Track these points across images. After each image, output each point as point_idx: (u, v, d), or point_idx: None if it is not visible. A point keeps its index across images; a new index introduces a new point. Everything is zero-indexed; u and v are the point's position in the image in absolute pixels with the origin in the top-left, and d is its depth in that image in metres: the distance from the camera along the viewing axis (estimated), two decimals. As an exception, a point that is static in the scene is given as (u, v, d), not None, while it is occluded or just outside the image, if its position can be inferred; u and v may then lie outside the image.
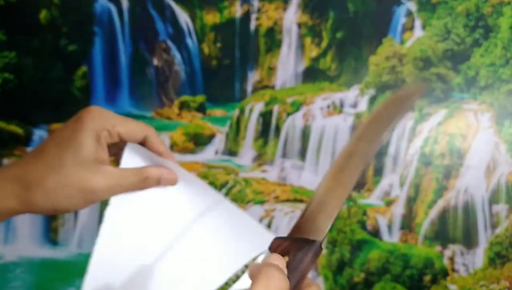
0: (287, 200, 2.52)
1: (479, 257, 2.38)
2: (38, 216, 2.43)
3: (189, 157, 2.69)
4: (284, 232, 0.45)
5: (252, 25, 2.88)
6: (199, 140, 2.75)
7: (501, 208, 2.38)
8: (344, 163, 0.50)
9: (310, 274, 0.44)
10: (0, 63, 2.58)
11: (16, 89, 2.60)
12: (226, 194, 2.47)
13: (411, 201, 2.49)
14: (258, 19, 2.88)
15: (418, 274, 2.40)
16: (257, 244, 0.47)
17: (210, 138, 2.76)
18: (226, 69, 2.88)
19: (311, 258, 0.40)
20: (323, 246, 0.41)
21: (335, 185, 0.49)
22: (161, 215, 0.50)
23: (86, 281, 0.48)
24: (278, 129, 2.69)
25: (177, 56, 2.89)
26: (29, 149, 2.63)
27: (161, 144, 0.50)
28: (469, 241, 2.41)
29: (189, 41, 2.91)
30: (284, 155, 2.66)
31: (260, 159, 2.70)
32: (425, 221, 2.45)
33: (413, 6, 2.65)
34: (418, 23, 2.65)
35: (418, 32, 2.64)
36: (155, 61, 2.90)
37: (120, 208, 0.49)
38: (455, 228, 2.44)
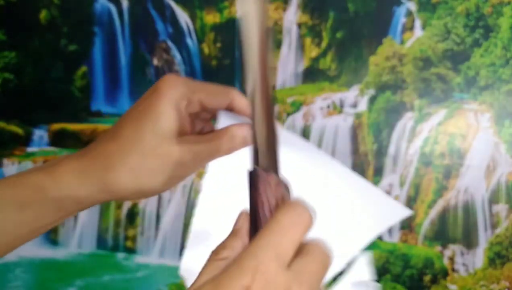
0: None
1: (479, 257, 2.38)
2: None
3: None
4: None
5: (252, 25, 2.88)
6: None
7: (501, 208, 2.38)
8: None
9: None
10: (0, 63, 2.58)
11: (16, 89, 2.60)
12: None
13: (411, 201, 2.49)
14: (258, 19, 2.88)
15: (418, 274, 2.40)
16: (387, 213, 0.44)
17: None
18: (226, 69, 2.88)
19: (250, 189, 0.37)
20: (258, 171, 0.37)
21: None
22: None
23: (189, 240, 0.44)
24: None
25: (177, 56, 2.89)
26: (29, 149, 2.63)
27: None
28: (469, 241, 2.41)
29: (189, 41, 2.91)
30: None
31: (260, 159, 2.70)
32: (425, 221, 2.45)
33: (413, 6, 2.65)
34: (418, 23, 2.64)
35: (418, 32, 2.64)
36: (155, 61, 2.90)
37: (214, 181, 0.45)
38: (455, 228, 2.44)
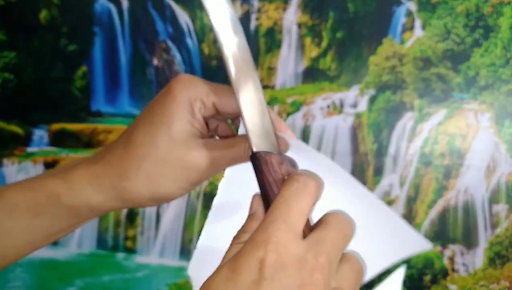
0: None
1: (479, 257, 2.38)
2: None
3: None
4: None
5: (252, 25, 2.88)
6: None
7: (501, 208, 2.38)
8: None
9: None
10: (0, 63, 2.58)
11: (16, 89, 2.60)
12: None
13: (411, 201, 2.49)
14: (258, 19, 2.88)
15: (418, 274, 2.40)
16: (409, 243, 0.43)
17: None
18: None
19: (256, 173, 0.37)
20: (258, 154, 0.37)
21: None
22: None
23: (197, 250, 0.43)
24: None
25: (177, 56, 2.89)
26: (29, 149, 2.63)
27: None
28: (469, 241, 2.41)
29: (189, 41, 2.91)
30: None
31: (260, 159, 2.69)
32: (425, 221, 2.45)
33: (413, 6, 2.65)
34: (418, 23, 2.64)
35: (418, 32, 2.64)
36: (155, 61, 2.90)
37: (231, 185, 0.43)
38: (455, 228, 2.44)
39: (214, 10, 0.38)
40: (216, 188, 0.46)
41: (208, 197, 2.58)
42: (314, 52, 2.82)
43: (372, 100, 2.59)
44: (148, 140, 0.42)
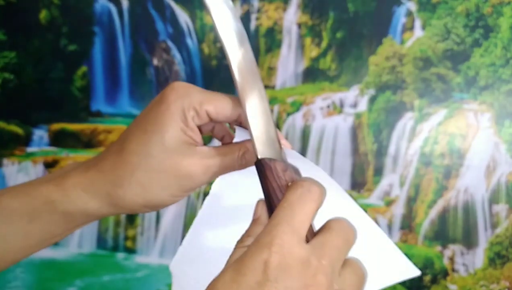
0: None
1: (479, 257, 2.38)
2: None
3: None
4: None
5: (252, 25, 2.88)
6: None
7: (501, 208, 2.38)
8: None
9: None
10: (0, 63, 2.58)
11: (16, 89, 2.60)
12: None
13: (411, 201, 2.49)
14: (258, 19, 2.88)
15: (418, 274, 2.40)
16: (395, 269, 0.43)
17: (211, 138, 2.76)
18: (226, 69, 2.87)
19: (260, 179, 0.38)
20: (262, 160, 0.38)
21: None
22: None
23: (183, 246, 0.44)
24: (278, 129, 2.68)
25: (177, 56, 2.89)
26: (29, 149, 2.63)
27: None
28: (469, 241, 2.41)
29: (189, 41, 2.91)
30: (284, 155, 2.66)
31: (260, 159, 2.69)
32: (425, 221, 2.45)
33: (413, 6, 2.65)
34: (418, 23, 2.64)
35: (418, 32, 2.64)
36: (155, 61, 2.90)
37: (223, 187, 0.44)
38: (455, 228, 2.44)
39: (220, 20, 0.39)
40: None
41: (208, 197, 2.58)
42: (314, 52, 2.82)
43: (372, 100, 2.59)
44: (142, 149, 0.42)
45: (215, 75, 2.88)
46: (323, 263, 0.32)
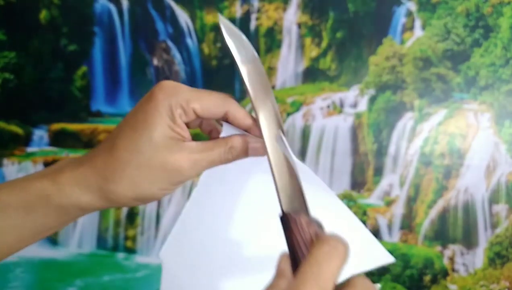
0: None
1: (479, 257, 2.38)
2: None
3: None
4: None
5: (252, 25, 2.88)
6: (199, 140, 2.75)
7: (501, 208, 2.38)
8: None
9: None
10: (0, 63, 2.58)
11: (16, 89, 2.60)
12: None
13: (411, 201, 2.49)
14: (258, 19, 2.88)
15: (418, 274, 2.40)
16: (368, 255, 0.44)
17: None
18: (226, 69, 2.88)
19: (284, 232, 0.38)
20: (288, 214, 0.39)
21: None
22: (255, 194, 0.45)
23: (167, 244, 0.45)
24: (282, 127, 2.68)
25: (177, 56, 2.89)
26: (29, 149, 2.63)
27: (246, 117, 0.45)
28: (469, 241, 2.41)
29: (189, 41, 2.91)
30: (284, 155, 2.66)
31: (260, 159, 2.69)
32: (425, 221, 2.45)
33: (413, 6, 2.65)
34: (418, 23, 2.64)
35: (418, 32, 2.64)
36: (155, 61, 2.90)
37: (211, 179, 0.45)
38: (455, 228, 2.44)
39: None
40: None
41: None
42: (314, 52, 2.82)
43: (372, 100, 2.59)
44: (131, 146, 0.45)
45: (215, 75, 2.88)
46: None
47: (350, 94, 2.69)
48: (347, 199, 2.50)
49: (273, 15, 2.84)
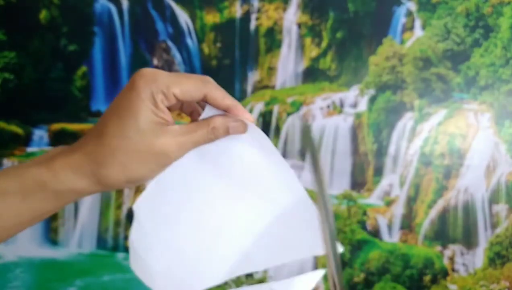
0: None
1: (479, 257, 2.38)
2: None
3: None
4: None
5: (252, 25, 2.88)
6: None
7: (501, 208, 2.38)
8: None
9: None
10: (0, 63, 2.58)
11: (16, 89, 2.60)
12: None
13: (411, 201, 2.49)
14: (258, 19, 2.88)
15: (418, 274, 2.40)
16: (311, 245, 0.47)
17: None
18: (226, 69, 2.88)
19: None
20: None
21: None
22: (228, 173, 0.49)
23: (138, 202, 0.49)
24: (278, 129, 2.69)
25: (177, 56, 2.89)
26: (29, 149, 2.63)
27: (225, 98, 0.48)
28: (469, 241, 2.41)
29: (189, 41, 2.91)
30: (284, 155, 2.66)
31: (260, 159, 2.69)
32: (425, 221, 2.45)
33: (413, 6, 2.65)
34: (418, 23, 2.65)
35: (418, 32, 2.64)
36: (155, 61, 2.90)
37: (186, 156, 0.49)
38: (455, 228, 2.44)
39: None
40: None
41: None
42: (314, 52, 2.82)
43: (372, 100, 2.59)
44: (119, 132, 0.48)
45: (215, 75, 2.88)
46: None
47: (350, 94, 2.70)
48: (347, 199, 2.50)
49: (273, 15, 2.84)
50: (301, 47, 2.84)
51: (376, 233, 2.47)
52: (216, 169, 0.48)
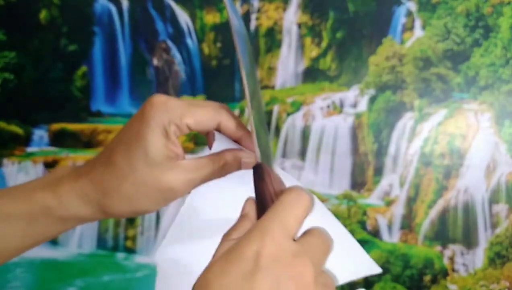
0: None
1: (479, 257, 2.38)
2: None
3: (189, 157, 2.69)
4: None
5: (252, 25, 2.88)
6: (199, 140, 2.75)
7: (501, 208, 2.38)
8: None
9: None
10: (0, 63, 2.58)
11: (16, 89, 2.60)
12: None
13: (411, 201, 2.49)
14: (258, 19, 2.88)
15: (418, 274, 2.40)
16: (355, 266, 0.46)
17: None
18: (226, 69, 2.88)
19: (255, 181, 0.41)
20: (263, 164, 0.41)
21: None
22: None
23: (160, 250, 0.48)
24: (278, 129, 2.69)
25: (177, 56, 2.89)
26: (29, 149, 2.63)
27: (238, 128, 0.46)
28: (469, 241, 2.41)
29: (189, 41, 2.91)
30: (284, 155, 2.66)
31: (260, 159, 2.69)
32: (425, 221, 2.45)
33: (413, 6, 2.65)
34: (418, 23, 2.65)
35: (418, 32, 2.64)
36: (155, 61, 2.90)
37: (202, 190, 0.48)
38: (455, 228, 2.44)
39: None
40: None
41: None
42: (314, 52, 2.82)
43: (372, 100, 2.59)
44: (126, 163, 0.46)
45: (215, 75, 2.89)
46: (311, 258, 0.35)
47: (350, 94, 2.69)
48: (347, 199, 2.50)
49: (273, 15, 2.84)
50: (301, 47, 2.84)
51: (376, 233, 2.47)
52: (230, 203, 0.47)
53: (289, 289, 0.34)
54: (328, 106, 2.69)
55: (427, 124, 2.49)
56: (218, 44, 2.91)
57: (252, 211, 0.40)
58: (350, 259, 0.47)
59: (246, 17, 2.89)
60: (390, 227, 2.48)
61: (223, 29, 2.90)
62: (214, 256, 0.37)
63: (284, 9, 2.83)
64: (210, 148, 0.47)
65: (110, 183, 0.46)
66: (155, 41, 2.91)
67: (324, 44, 2.80)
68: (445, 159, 2.44)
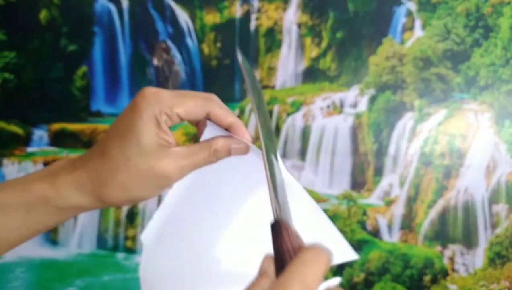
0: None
1: (479, 257, 2.38)
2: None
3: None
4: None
5: (252, 25, 2.88)
6: (199, 140, 2.75)
7: (501, 208, 2.38)
8: None
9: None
10: (0, 63, 2.58)
11: (16, 89, 2.60)
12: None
13: (411, 201, 2.49)
14: (258, 19, 2.88)
15: (418, 274, 2.40)
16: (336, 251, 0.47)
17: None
18: (226, 69, 2.88)
19: (273, 237, 0.41)
20: (281, 221, 0.42)
21: None
22: (230, 189, 0.48)
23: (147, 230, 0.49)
24: (278, 129, 2.69)
25: (177, 56, 2.89)
26: (29, 149, 2.63)
27: (227, 116, 0.48)
28: (469, 241, 2.41)
29: (189, 41, 2.91)
30: (284, 155, 2.66)
31: (260, 159, 2.69)
32: (425, 221, 2.45)
33: (413, 6, 2.65)
34: (418, 23, 2.64)
35: (418, 32, 2.64)
36: (155, 61, 2.90)
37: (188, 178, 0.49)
38: (455, 228, 2.44)
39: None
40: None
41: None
42: (314, 52, 2.82)
43: (372, 100, 2.59)
44: (121, 153, 0.47)
45: (215, 75, 2.88)
46: None
47: (350, 94, 2.69)
48: (347, 199, 2.50)
49: (273, 15, 2.84)
50: (301, 47, 2.84)
51: (376, 233, 2.47)
52: (217, 190, 0.49)
53: None
54: (328, 106, 2.69)
55: (427, 124, 2.49)
56: (218, 44, 2.91)
57: (270, 268, 0.41)
58: (328, 245, 0.48)
59: (246, 17, 2.89)
60: (390, 227, 2.48)
61: (223, 29, 2.90)
62: None
63: (284, 9, 2.83)
64: (199, 138, 0.49)
65: (106, 173, 0.47)
66: (155, 41, 2.91)
67: (324, 44, 2.80)
68: (445, 159, 2.44)
